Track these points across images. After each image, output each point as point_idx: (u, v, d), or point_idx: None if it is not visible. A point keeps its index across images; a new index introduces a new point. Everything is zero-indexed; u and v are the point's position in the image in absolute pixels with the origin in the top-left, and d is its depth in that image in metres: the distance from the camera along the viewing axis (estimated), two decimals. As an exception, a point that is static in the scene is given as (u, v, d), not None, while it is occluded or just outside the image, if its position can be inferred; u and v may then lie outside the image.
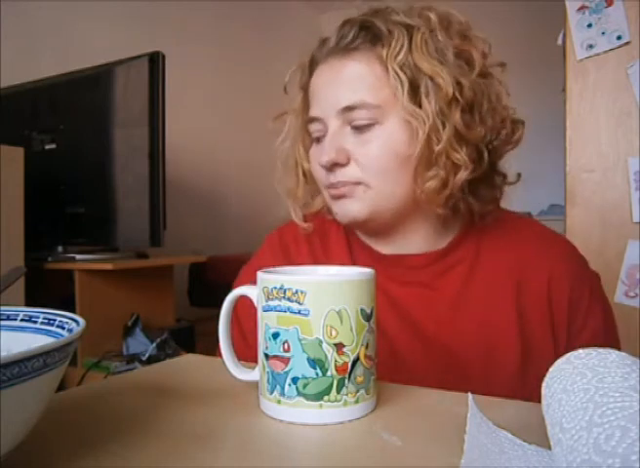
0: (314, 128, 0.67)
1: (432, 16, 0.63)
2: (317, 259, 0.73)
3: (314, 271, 0.53)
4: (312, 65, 0.68)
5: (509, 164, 0.70)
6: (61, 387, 0.40)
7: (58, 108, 1.69)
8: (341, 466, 0.34)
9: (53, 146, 1.68)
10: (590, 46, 1.47)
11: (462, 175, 0.60)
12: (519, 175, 0.70)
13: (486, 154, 0.63)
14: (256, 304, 0.45)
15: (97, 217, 1.65)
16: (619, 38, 1.43)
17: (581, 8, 1.47)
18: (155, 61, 1.54)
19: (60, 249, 1.68)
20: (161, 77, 1.55)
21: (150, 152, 1.54)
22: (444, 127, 0.59)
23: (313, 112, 0.66)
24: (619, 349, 0.35)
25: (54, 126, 1.68)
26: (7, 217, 1.38)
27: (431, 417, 0.42)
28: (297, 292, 0.41)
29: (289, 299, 0.41)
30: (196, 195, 2.67)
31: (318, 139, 0.67)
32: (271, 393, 0.42)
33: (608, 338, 0.66)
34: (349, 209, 0.64)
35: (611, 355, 0.34)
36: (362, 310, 0.42)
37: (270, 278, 0.43)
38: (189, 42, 2.69)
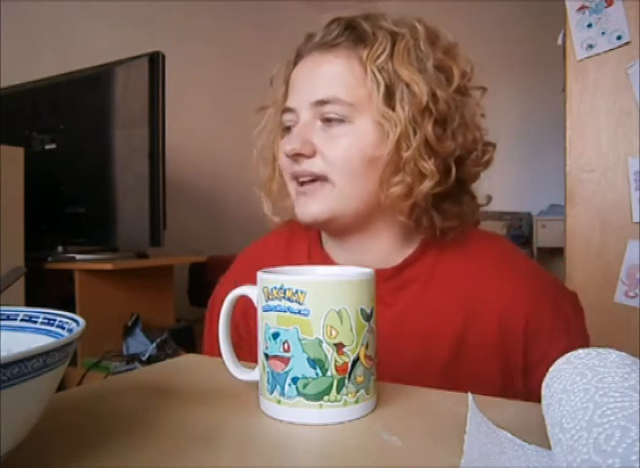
0: (287, 118, 0.67)
1: (420, 27, 0.64)
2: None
3: (314, 271, 0.53)
4: (297, 58, 0.69)
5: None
6: (61, 387, 0.40)
7: (58, 108, 1.69)
8: (341, 466, 0.34)
9: (53, 146, 1.68)
10: (590, 46, 1.47)
11: (427, 184, 0.61)
12: (489, 197, 0.70)
13: (454, 170, 0.63)
14: (256, 304, 0.45)
15: (97, 217, 1.65)
16: (619, 38, 1.43)
17: (581, 8, 1.47)
18: (155, 61, 1.54)
19: (60, 249, 1.68)
20: (161, 77, 1.55)
21: (150, 152, 1.54)
22: (415, 134, 0.60)
23: (288, 103, 0.67)
24: None
25: (54, 126, 1.68)
26: (7, 217, 1.38)
27: (431, 417, 0.42)
28: (297, 292, 0.41)
29: (289, 299, 0.41)
30: (196, 195, 2.67)
31: (289, 129, 0.67)
32: (271, 393, 0.42)
33: None
34: (311, 208, 0.64)
35: (611, 355, 0.34)
36: (362, 310, 0.42)
37: (270, 278, 0.43)
38: (189, 42, 2.69)
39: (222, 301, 0.72)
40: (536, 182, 3.67)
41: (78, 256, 1.63)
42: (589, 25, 1.46)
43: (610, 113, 1.46)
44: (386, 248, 0.68)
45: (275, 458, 0.35)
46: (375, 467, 0.34)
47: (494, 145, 0.68)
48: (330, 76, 0.63)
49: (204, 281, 2.17)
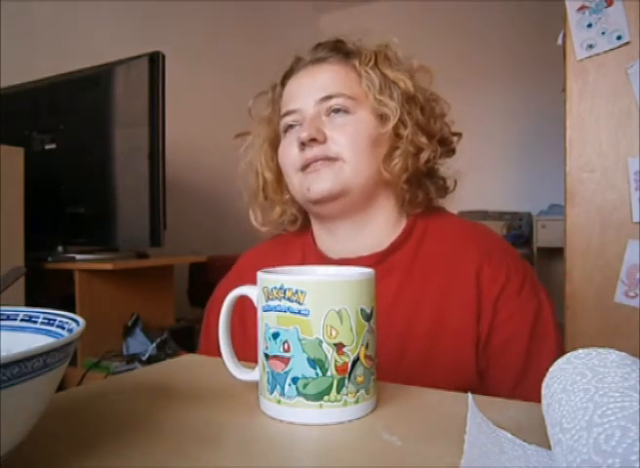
0: (289, 119, 0.74)
1: (390, 45, 0.76)
2: None
3: (314, 271, 0.53)
4: (285, 78, 0.77)
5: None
6: (61, 387, 0.40)
7: (58, 108, 1.69)
8: (342, 466, 0.34)
9: (53, 146, 1.68)
10: (590, 46, 1.47)
11: (424, 156, 0.72)
12: (455, 181, 0.80)
13: (439, 149, 0.74)
14: (256, 304, 0.45)
15: (97, 217, 1.64)
16: (619, 38, 1.43)
17: (581, 8, 1.47)
18: (155, 61, 1.54)
19: (60, 249, 1.68)
20: (161, 77, 1.55)
21: (150, 152, 1.53)
22: (409, 116, 0.71)
23: (292, 106, 0.73)
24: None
25: (54, 126, 1.68)
26: (7, 217, 1.38)
27: (431, 417, 0.42)
28: (297, 292, 0.41)
29: (289, 299, 0.41)
30: (196, 195, 2.67)
31: (288, 130, 0.74)
32: (271, 393, 0.42)
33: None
34: (324, 183, 0.69)
35: (611, 355, 0.34)
36: (362, 310, 0.42)
37: (270, 278, 0.43)
38: (189, 42, 2.69)
39: (216, 305, 0.75)
40: (536, 182, 3.67)
41: (78, 256, 1.63)
42: (589, 25, 1.46)
43: (610, 113, 1.46)
44: (379, 229, 0.74)
45: (276, 458, 0.35)
46: (375, 467, 0.34)
47: (460, 134, 0.80)
48: (330, 78, 0.72)
49: (204, 281, 2.17)
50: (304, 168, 0.71)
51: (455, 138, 0.79)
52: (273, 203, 0.79)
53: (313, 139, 0.69)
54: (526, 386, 0.63)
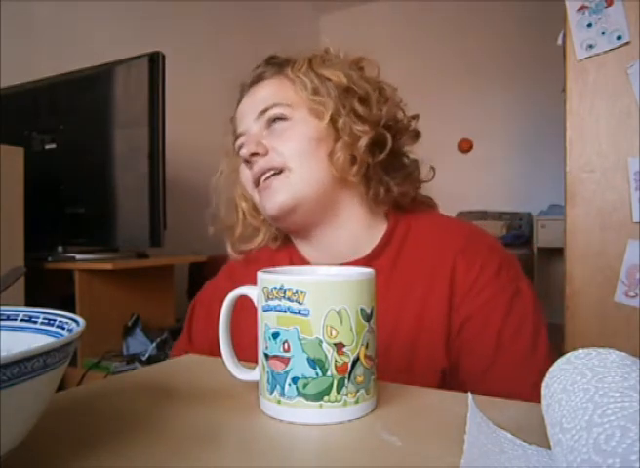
0: (239, 142, 0.75)
1: (330, 50, 0.76)
2: None
3: (314, 271, 0.53)
4: (238, 106, 0.79)
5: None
6: (61, 387, 0.40)
7: (58, 108, 1.69)
8: (341, 466, 0.34)
9: (53, 146, 1.69)
10: (590, 46, 1.47)
11: (363, 142, 0.70)
12: (432, 167, 0.78)
13: (389, 137, 0.72)
14: (255, 304, 0.45)
15: (97, 217, 1.65)
16: (619, 38, 1.43)
17: (581, 8, 1.47)
18: (155, 61, 1.54)
19: (60, 249, 1.68)
20: (161, 77, 1.55)
21: (150, 152, 1.54)
22: (344, 107, 0.71)
23: (238, 130, 0.76)
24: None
25: (54, 126, 1.68)
26: (7, 217, 1.38)
27: (431, 417, 0.42)
28: (297, 292, 0.41)
29: (289, 299, 0.41)
30: (196, 195, 2.67)
31: (241, 149, 0.74)
32: (271, 393, 0.42)
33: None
34: (275, 198, 0.70)
35: (611, 355, 0.34)
36: (362, 310, 0.42)
37: (270, 278, 0.43)
38: (189, 42, 2.69)
39: (203, 304, 0.75)
40: (536, 182, 3.67)
41: (78, 256, 1.63)
42: (589, 25, 1.46)
43: (610, 113, 1.46)
44: (354, 234, 0.73)
45: (276, 458, 0.35)
46: (375, 467, 0.34)
47: (417, 116, 0.78)
48: (266, 92, 0.74)
49: (204, 281, 2.17)
50: (257, 184, 0.72)
51: (413, 122, 0.77)
52: (256, 230, 0.80)
53: (254, 154, 0.70)
54: (497, 370, 0.63)
